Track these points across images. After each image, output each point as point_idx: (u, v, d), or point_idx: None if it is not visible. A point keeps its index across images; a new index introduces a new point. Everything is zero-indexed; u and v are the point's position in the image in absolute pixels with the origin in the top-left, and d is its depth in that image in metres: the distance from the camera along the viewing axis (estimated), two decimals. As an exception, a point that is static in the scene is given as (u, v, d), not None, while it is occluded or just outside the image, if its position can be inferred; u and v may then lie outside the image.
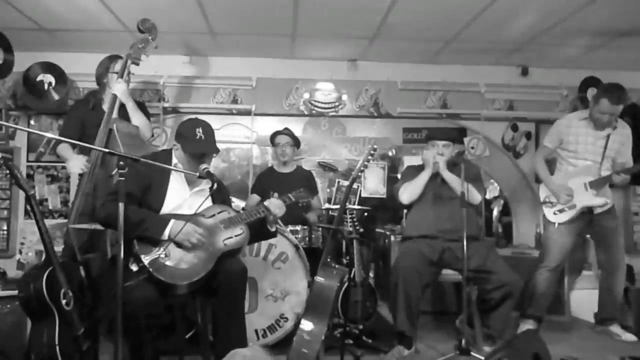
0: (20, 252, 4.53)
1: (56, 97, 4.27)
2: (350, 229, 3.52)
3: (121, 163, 2.07)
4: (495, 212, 5.50)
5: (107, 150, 2.12)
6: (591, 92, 4.52)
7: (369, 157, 2.69)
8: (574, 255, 4.26)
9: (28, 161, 4.60)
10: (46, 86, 4.31)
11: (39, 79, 4.31)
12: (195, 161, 2.50)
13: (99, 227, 2.77)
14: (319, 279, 2.36)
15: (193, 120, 2.65)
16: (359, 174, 2.68)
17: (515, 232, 4.93)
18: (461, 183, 3.03)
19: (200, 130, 2.53)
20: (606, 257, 3.68)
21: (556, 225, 3.61)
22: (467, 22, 3.88)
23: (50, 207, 4.59)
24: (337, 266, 2.69)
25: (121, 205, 2.04)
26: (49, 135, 2.51)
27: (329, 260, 2.65)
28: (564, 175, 3.67)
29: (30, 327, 2.31)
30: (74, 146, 3.46)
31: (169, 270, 2.29)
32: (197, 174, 2.39)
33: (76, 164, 3.22)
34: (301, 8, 3.66)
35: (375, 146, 2.69)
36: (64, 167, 4.57)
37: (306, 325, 2.25)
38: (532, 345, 2.11)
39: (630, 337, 3.55)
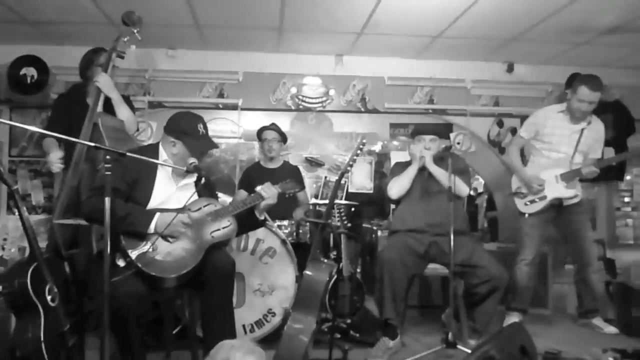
0: (3, 249, 4.44)
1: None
2: (338, 223, 3.52)
3: (108, 157, 2.04)
4: (480, 208, 5.56)
5: (93, 144, 2.09)
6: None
7: (358, 152, 2.69)
8: (557, 249, 4.33)
9: (10, 156, 4.53)
10: (29, 80, 4.24)
11: (22, 72, 4.23)
12: (195, 157, 2.50)
13: (84, 222, 2.74)
14: (308, 273, 2.36)
15: (190, 115, 2.62)
16: (348, 168, 2.68)
17: (500, 227, 4.98)
18: (448, 177, 3.05)
19: (201, 126, 2.53)
20: (576, 251, 3.75)
21: (526, 215, 3.67)
22: (453, 18, 3.90)
23: (34, 203, 4.53)
24: (325, 260, 2.69)
25: (107, 200, 2.02)
26: (32, 128, 2.45)
27: (317, 254, 2.64)
28: (537, 167, 3.72)
29: (15, 323, 2.27)
30: (59, 141, 3.40)
31: (157, 264, 2.28)
32: (185, 168, 2.38)
33: (51, 160, 3.20)
34: (288, 2, 3.64)
35: (364, 140, 2.69)
36: (47, 162, 4.52)
37: (295, 319, 2.25)
38: (518, 338, 2.14)
39: (612, 329, 3.61)
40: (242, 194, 4.07)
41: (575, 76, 4.77)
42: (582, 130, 3.60)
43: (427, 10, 3.76)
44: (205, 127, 2.58)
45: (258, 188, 2.63)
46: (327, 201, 4.28)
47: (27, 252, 3.87)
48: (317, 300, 2.24)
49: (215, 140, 4.73)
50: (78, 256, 2.93)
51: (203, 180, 2.39)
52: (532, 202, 3.66)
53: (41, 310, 2.18)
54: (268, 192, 2.61)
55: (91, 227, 2.82)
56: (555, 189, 3.61)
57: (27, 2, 3.64)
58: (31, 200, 4.53)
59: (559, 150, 3.66)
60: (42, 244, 3.13)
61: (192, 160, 2.45)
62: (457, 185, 3.20)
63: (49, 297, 2.22)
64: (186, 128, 2.51)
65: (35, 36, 4.29)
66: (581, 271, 3.75)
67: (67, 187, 3.03)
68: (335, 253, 3.89)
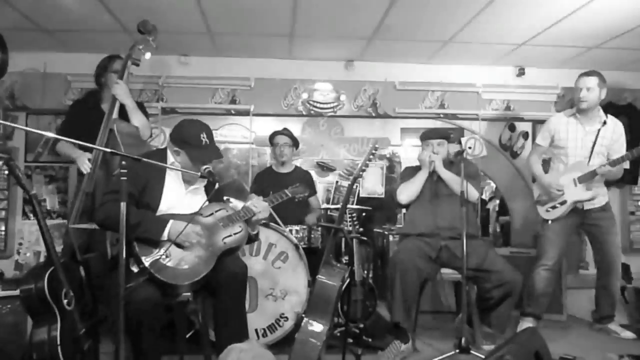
0: (19, 253, 4.52)
1: None
2: (350, 228, 3.52)
3: (124, 163, 2.06)
4: (491, 212, 5.53)
5: (110, 150, 2.12)
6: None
7: (370, 157, 2.70)
8: (571, 254, 4.29)
9: (26, 161, 4.59)
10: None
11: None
12: (197, 167, 2.47)
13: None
14: (321, 278, 2.36)
15: (193, 124, 2.58)
16: (361, 173, 2.69)
17: (513, 231, 4.95)
18: (460, 182, 3.04)
19: (205, 135, 2.49)
20: (601, 256, 3.71)
21: (549, 222, 3.65)
22: (464, 22, 3.90)
23: (49, 208, 4.58)
24: (338, 265, 2.69)
25: (123, 205, 2.04)
26: (48, 134, 2.45)
27: (330, 258, 2.65)
28: (556, 173, 3.71)
29: (32, 327, 2.30)
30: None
31: (170, 271, 2.30)
32: (199, 173, 2.39)
33: (84, 161, 3.21)
34: (299, 8, 3.67)
35: (377, 145, 2.70)
36: (62, 167, 4.58)
37: (308, 324, 2.25)
38: (533, 343, 2.12)
39: (629, 334, 3.57)
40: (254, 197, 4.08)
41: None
42: (598, 130, 3.57)
43: (438, 15, 3.76)
44: (210, 136, 2.53)
45: (248, 203, 2.60)
46: (339, 206, 4.29)
47: (43, 257, 3.93)
48: (330, 306, 2.24)
49: (227, 145, 4.80)
50: (93, 260, 2.96)
51: (217, 185, 2.39)
52: (553, 208, 3.64)
53: (58, 314, 2.22)
54: (258, 206, 2.59)
55: (106, 232, 2.87)
56: (574, 193, 3.58)
57: (42, 10, 3.71)
58: (46, 205, 4.58)
59: (575, 154, 3.63)
60: (57, 248, 3.17)
61: (206, 165, 2.46)
62: (467, 190, 3.19)
63: (65, 301, 2.25)
64: (188, 137, 2.48)
65: (51, 44, 4.36)
66: (604, 277, 3.70)
67: (82, 193, 3.08)
68: (347, 258, 3.89)
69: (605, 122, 3.60)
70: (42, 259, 4.47)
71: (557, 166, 3.74)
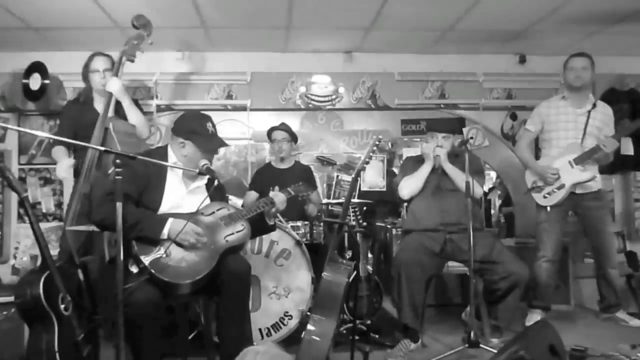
0: (15, 257, 4.43)
1: None
2: (354, 223, 3.45)
3: (118, 161, 1.99)
4: (494, 203, 5.47)
5: (103, 148, 2.05)
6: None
7: (374, 149, 2.62)
8: (576, 243, 4.23)
9: (19, 164, 4.50)
10: (32, 86, 4.21)
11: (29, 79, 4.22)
12: (206, 157, 2.45)
13: (96, 228, 2.70)
14: (326, 275, 2.30)
15: (198, 114, 2.58)
16: (364, 165, 2.62)
17: (517, 222, 4.88)
18: (465, 173, 2.96)
19: (210, 125, 2.48)
20: (596, 246, 3.66)
21: (548, 209, 3.58)
22: (464, 10, 3.82)
23: (44, 210, 4.50)
24: (344, 261, 2.63)
25: (119, 205, 1.97)
26: (41, 134, 2.41)
27: (335, 255, 2.58)
28: (549, 158, 3.65)
29: (29, 334, 2.23)
30: (68, 148, 3.36)
31: (170, 270, 2.23)
32: (197, 170, 2.32)
33: (62, 168, 3.12)
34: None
35: (380, 137, 2.63)
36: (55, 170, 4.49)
37: (315, 322, 2.18)
38: (547, 337, 2.07)
39: (638, 322, 3.53)
40: (252, 195, 4.02)
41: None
42: (589, 112, 3.56)
43: (437, 3, 3.68)
44: (214, 126, 2.53)
45: (271, 193, 2.60)
46: (339, 200, 4.23)
47: (39, 261, 3.83)
48: (337, 303, 2.18)
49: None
50: (91, 263, 2.89)
51: (216, 182, 2.33)
52: (550, 193, 3.57)
53: (55, 320, 2.15)
54: (279, 201, 2.61)
55: (103, 233, 2.79)
56: (572, 175, 3.52)
57: (33, 8, 3.61)
58: (41, 208, 4.50)
59: (567, 136, 3.60)
60: (54, 251, 3.10)
61: (204, 162, 2.39)
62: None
63: (62, 306, 2.18)
64: (195, 127, 2.45)
65: (42, 43, 4.26)
66: (601, 267, 3.66)
67: (79, 194, 3.00)
68: (350, 253, 3.83)
69: (595, 105, 3.59)
70: (38, 263, 4.37)
71: (549, 152, 3.69)
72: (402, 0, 3.62)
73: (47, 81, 4.19)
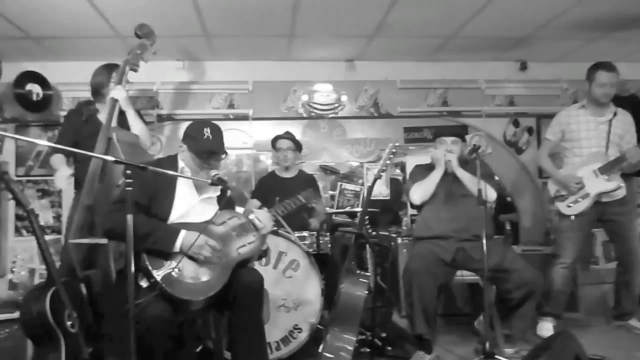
0: (12, 272, 4.33)
1: None
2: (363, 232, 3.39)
3: (128, 172, 1.93)
4: (490, 210, 5.41)
5: (113, 158, 1.98)
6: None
7: (390, 157, 2.57)
8: (583, 250, 4.19)
9: (17, 175, 4.40)
10: (34, 97, 4.15)
11: (27, 89, 4.14)
12: (203, 162, 2.39)
13: (99, 241, 2.62)
14: (345, 288, 2.23)
15: (201, 121, 2.53)
16: (381, 174, 2.57)
17: (521, 229, 4.84)
18: (477, 180, 2.91)
19: (208, 130, 2.41)
20: (623, 253, 3.62)
21: (571, 217, 3.53)
22: (466, 19, 3.81)
23: (43, 223, 4.39)
24: (360, 272, 2.56)
25: (130, 217, 1.91)
26: (45, 142, 2.33)
27: (352, 266, 2.51)
28: (572, 167, 3.61)
29: (33, 353, 2.14)
30: (67, 158, 3.28)
31: (183, 286, 2.14)
32: (209, 181, 2.26)
33: (60, 177, 3.02)
34: (300, 7, 3.54)
35: (397, 144, 2.58)
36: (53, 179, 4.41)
37: (335, 337, 2.11)
38: (571, 348, 2.01)
39: (652, 330, 3.48)
40: (255, 203, 3.95)
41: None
42: (610, 121, 3.54)
43: (439, 11, 3.66)
44: (215, 132, 2.43)
45: (251, 216, 2.48)
46: (343, 210, 4.18)
47: (38, 275, 3.73)
48: (357, 316, 2.12)
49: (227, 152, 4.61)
50: (95, 277, 2.79)
51: (229, 192, 2.26)
52: (575, 202, 3.53)
53: (61, 338, 2.06)
54: (262, 220, 2.48)
55: (108, 246, 2.71)
56: (597, 184, 3.48)
57: (32, 17, 3.54)
58: (39, 221, 4.39)
59: (590, 145, 3.56)
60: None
61: (215, 172, 2.34)
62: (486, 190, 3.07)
63: (68, 323, 2.10)
64: (191, 132, 2.44)
65: (41, 52, 4.18)
66: (626, 274, 3.62)
67: (81, 206, 2.90)
68: (354, 262, 3.76)
69: (615, 113, 3.57)
70: (37, 277, 4.28)
71: (570, 161, 3.65)
72: (405, 9, 3.60)
73: (50, 92, 4.13)
